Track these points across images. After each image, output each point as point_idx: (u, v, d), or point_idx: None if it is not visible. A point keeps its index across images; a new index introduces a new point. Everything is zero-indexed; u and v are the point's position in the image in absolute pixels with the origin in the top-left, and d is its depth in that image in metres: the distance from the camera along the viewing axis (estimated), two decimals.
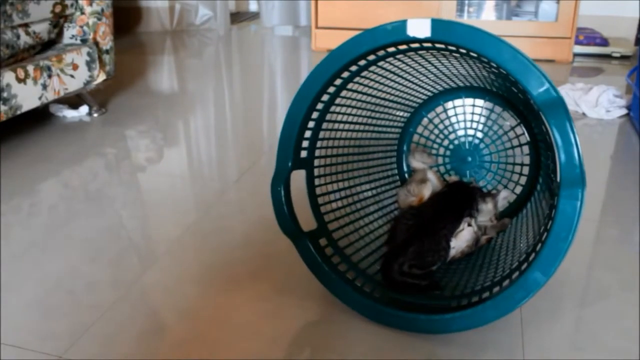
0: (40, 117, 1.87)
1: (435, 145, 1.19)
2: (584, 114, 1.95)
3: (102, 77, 1.86)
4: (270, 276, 1.02)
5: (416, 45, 0.81)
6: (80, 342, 0.84)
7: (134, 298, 0.95)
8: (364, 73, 0.93)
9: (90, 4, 1.80)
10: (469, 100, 1.15)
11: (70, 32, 1.83)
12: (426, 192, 1.09)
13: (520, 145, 1.13)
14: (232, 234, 1.17)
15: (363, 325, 0.88)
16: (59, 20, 1.77)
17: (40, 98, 1.60)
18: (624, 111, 1.93)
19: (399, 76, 1.01)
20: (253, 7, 4.26)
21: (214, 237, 1.16)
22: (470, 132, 1.15)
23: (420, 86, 1.11)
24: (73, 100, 1.91)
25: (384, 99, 1.09)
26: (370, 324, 0.89)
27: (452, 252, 0.97)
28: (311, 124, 0.92)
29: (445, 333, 0.85)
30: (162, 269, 1.04)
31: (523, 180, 1.13)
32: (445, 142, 1.18)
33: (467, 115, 1.15)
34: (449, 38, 0.75)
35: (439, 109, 1.18)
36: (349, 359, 0.82)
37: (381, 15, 2.82)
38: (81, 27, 1.82)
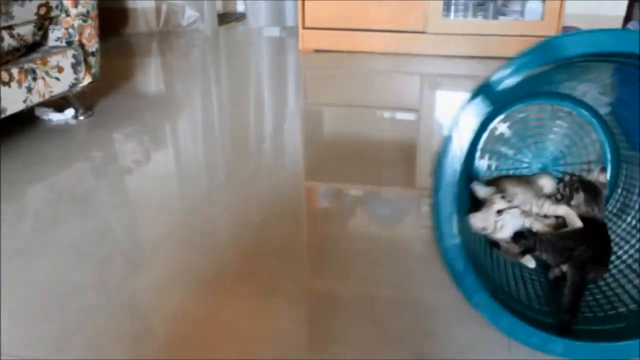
0: (26, 120, 1.86)
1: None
2: None
3: (88, 80, 1.85)
4: (257, 277, 1.02)
5: None
6: (66, 347, 0.84)
7: (120, 301, 0.95)
8: None
9: (76, 6, 1.78)
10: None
11: (55, 35, 1.81)
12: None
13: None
14: (218, 235, 1.16)
15: (351, 326, 0.89)
16: (43, 23, 1.76)
17: (25, 101, 1.58)
18: None
19: None
20: (241, 7, 4.25)
21: (200, 239, 1.15)
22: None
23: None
24: (59, 103, 1.89)
25: None
26: (359, 325, 0.89)
27: None
28: None
29: None
30: (149, 271, 1.04)
31: None
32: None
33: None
34: None
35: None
36: (341, 359, 0.82)
37: (368, 15, 2.82)
38: (66, 29, 1.80)
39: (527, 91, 1.07)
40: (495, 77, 0.77)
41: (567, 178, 1.07)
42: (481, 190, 1.02)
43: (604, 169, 1.08)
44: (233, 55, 2.98)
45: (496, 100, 0.78)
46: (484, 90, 0.77)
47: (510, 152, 1.13)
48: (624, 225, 1.04)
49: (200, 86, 2.35)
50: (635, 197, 1.06)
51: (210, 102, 2.14)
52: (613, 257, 0.99)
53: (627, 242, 1.01)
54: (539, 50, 0.75)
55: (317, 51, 2.88)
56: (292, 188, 1.40)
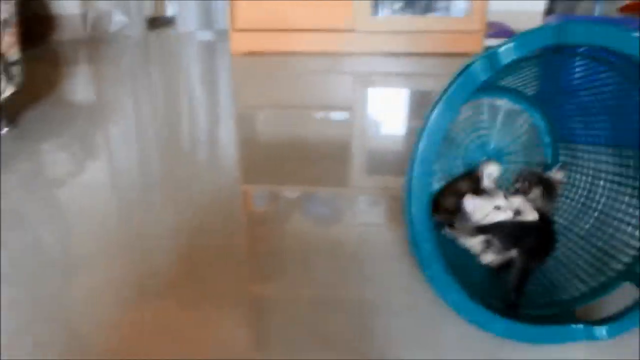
0: None
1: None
2: None
3: (10, 90, 1.79)
4: (196, 283, 1.02)
5: None
6: None
7: (55, 314, 0.93)
8: None
9: None
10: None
11: None
12: None
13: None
14: (153, 242, 1.15)
15: (288, 327, 0.90)
16: None
17: None
18: None
19: None
20: (171, 12, 4.19)
21: (135, 246, 1.14)
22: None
23: None
24: None
25: None
26: (296, 326, 0.90)
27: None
28: None
29: None
30: (83, 283, 1.02)
31: None
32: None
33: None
34: None
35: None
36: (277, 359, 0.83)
37: (299, 16, 2.84)
38: None
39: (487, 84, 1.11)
40: (501, 49, 0.79)
41: (525, 172, 1.12)
42: (487, 179, 1.07)
43: (562, 167, 1.13)
44: (163, 61, 2.94)
45: (491, 72, 0.80)
46: (484, 59, 0.79)
47: (460, 141, 1.16)
48: (555, 226, 1.10)
49: (131, 93, 2.31)
50: (567, 200, 1.12)
51: (142, 108, 2.10)
52: None
53: (560, 240, 1.06)
54: (549, 29, 0.77)
55: (249, 53, 2.88)
56: (227, 192, 1.40)
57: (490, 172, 1.10)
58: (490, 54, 0.78)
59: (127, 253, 1.12)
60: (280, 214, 1.31)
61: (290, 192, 1.41)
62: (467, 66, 0.79)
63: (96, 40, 3.34)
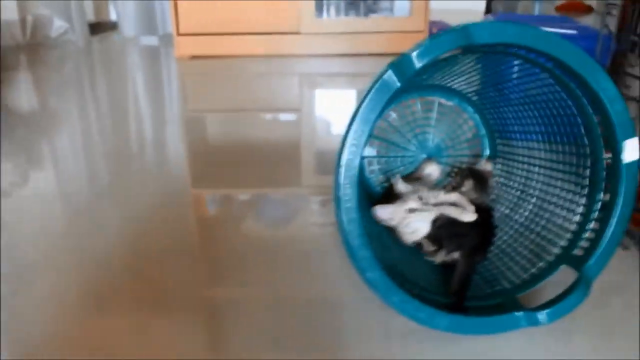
0: None
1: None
2: None
3: None
4: (138, 291, 1.02)
5: None
6: None
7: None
8: None
9: None
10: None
11: None
12: None
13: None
14: (96, 252, 1.14)
15: (247, 330, 0.91)
16: None
17: None
18: None
19: None
20: (114, 16, 4.11)
21: (77, 256, 1.13)
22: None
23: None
24: None
25: None
26: (251, 329, 0.91)
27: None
28: None
29: None
30: (25, 294, 1.00)
31: None
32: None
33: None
34: None
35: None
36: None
37: (243, 19, 2.84)
38: None
39: (416, 83, 1.14)
40: (407, 55, 0.80)
41: (457, 166, 1.16)
42: (401, 186, 1.05)
43: (490, 159, 1.18)
44: (107, 66, 2.89)
45: (404, 78, 0.80)
46: (395, 67, 0.80)
47: (399, 141, 1.19)
48: (497, 215, 1.14)
49: (75, 99, 2.27)
50: (506, 189, 1.17)
51: (87, 115, 2.07)
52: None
53: (501, 229, 1.11)
54: (455, 33, 0.79)
55: (194, 57, 2.86)
56: (179, 197, 1.40)
57: (430, 172, 1.14)
58: (400, 61, 0.80)
59: (76, 261, 1.11)
60: (233, 217, 1.31)
61: (243, 195, 1.42)
62: (380, 75, 0.80)
63: (36, 46, 3.26)
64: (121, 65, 2.91)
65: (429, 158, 1.18)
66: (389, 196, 1.07)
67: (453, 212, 0.99)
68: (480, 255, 1.02)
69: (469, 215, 0.98)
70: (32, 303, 0.98)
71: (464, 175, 1.10)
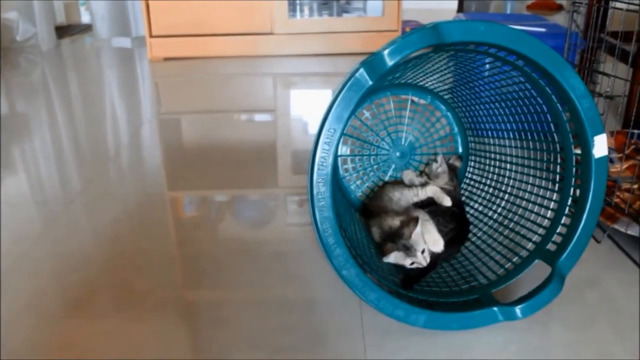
0: None
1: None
2: None
3: None
4: (110, 295, 1.01)
5: None
6: None
7: None
8: None
9: None
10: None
11: None
12: None
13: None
14: (67, 257, 1.13)
15: (223, 330, 0.91)
16: None
17: None
18: None
19: None
20: (86, 19, 4.06)
21: (49, 263, 1.11)
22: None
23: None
24: None
25: None
26: (227, 330, 0.91)
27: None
28: None
29: None
30: (6, 297, 0.99)
31: None
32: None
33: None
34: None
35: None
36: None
37: (216, 20, 2.82)
38: None
39: (389, 82, 1.15)
40: (379, 53, 0.79)
41: (430, 161, 1.19)
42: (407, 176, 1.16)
43: (459, 157, 1.21)
44: (78, 69, 2.85)
45: (376, 77, 0.80)
46: (367, 65, 0.79)
47: (372, 139, 1.20)
48: (471, 211, 1.16)
49: (45, 103, 2.24)
50: (480, 186, 1.18)
51: (59, 118, 2.04)
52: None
53: (476, 225, 1.12)
54: (426, 31, 0.79)
55: (167, 59, 2.84)
56: (155, 200, 1.39)
57: (410, 178, 1.16)
58: (372, 59, 0.80)
59: (40, 270, 1.09)
60: (210, 219, 1.31)
61: (220, 197, 1.42)
62: (352, 74, 0.80)
63: (4, 51, 3.20)
64: (92, 68, 2.87)
65: (405, 169, 1.21)
66: (375, 199, 1.13)
67: (437, 198, 1.07)
68: (455, 248, 1.04)
69: (447, 200, 1.06)
70: (9, 307, 0.97)
71: (440, 163, 1.14)
